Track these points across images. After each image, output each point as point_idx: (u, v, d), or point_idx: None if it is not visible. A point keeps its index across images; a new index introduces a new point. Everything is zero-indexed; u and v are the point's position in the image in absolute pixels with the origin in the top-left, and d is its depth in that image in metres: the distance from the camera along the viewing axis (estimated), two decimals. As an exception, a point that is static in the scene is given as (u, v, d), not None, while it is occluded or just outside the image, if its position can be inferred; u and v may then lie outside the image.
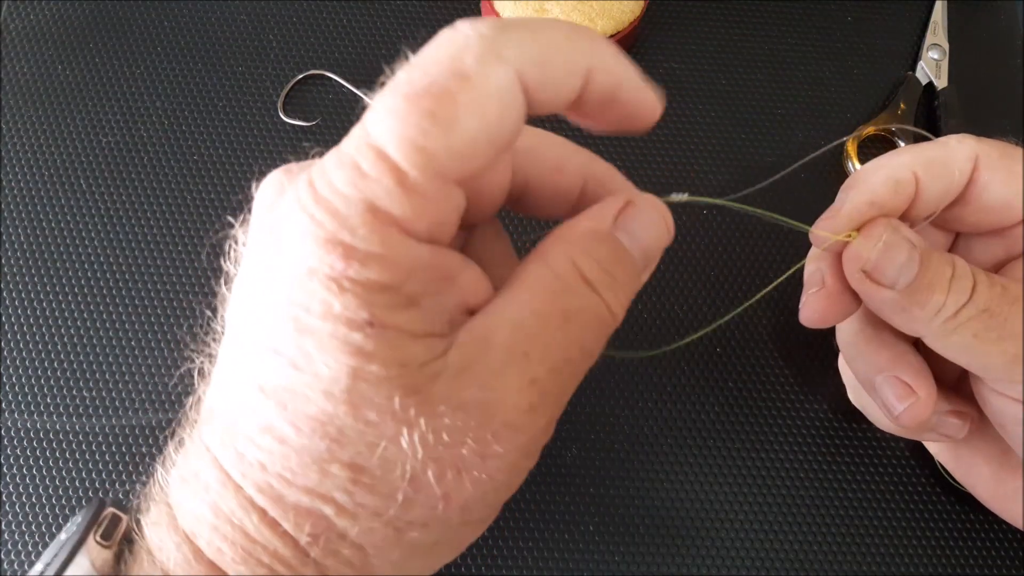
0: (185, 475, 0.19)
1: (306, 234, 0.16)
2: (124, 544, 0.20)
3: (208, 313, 0.34)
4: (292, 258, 0.17)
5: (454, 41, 0.16)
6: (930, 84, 0.40)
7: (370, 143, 0.16)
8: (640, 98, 0.20)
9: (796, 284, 0.36)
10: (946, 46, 0.41)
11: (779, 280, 0.28)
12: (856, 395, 0.31)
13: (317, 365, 0.17)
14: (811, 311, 0.26)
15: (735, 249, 0.36)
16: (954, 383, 0.27)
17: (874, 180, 0.24)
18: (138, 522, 0.19)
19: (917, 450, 0.33)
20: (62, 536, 0.20)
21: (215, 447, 0.18)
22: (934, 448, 0.30)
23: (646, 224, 0.20)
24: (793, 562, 0.31)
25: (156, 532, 0.19)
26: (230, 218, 0.21)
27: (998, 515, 0.28)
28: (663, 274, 0.36)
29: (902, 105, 0.39)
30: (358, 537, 0.18)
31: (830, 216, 0.24)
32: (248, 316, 0.18)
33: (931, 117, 0.40)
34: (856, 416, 0.33)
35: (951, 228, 0.27)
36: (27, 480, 0.31)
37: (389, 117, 0.16)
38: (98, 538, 0.19)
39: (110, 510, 0.20)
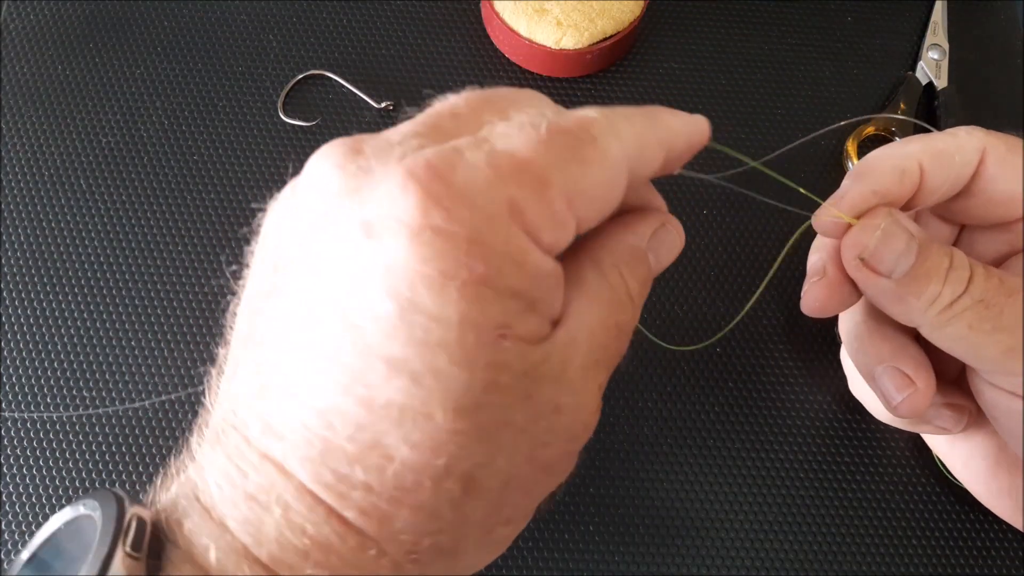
0: (250, 491, 0.17)
1: (437, 232, 0.15)
2: (153, 552, 0.17)
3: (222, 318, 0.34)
4: (414, 258, 0.15)
5: (580, 112, 0.18)
6: (930, 84, 0.40)
7: (512, 154, 0.16)
8: (700, 143, 0.22)
9: (797, 284, 0.36)
10: (946, 46, 0.41)
11: (784, 252, 0.28)
12: (856, 386, 0.31)
13: (448, 380, 0.15)
14: (812, 299, 0.26)
15: (734, 249, 0.36)
16: (954, 378, 0.27)
17: (879, 169, 0.24)
18: (167, 531, 0.17)
19: (918, 451, 0.33)
20: (50, 526, 0.17)
21: (293, 466, 0.16)
22: (932, 441, 0.30)
23: (669, 249, 0.22)
24: (793, 562, 0.31)
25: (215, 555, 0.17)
26: (255, 205, 0.20)
27: (991, 510, 0.28)
28: (662, 274, 0.36)
29: (902, 105, 0.39)
30: (452, 543, 0.18)
31: (833, 203, 0.25)
32: (326, 321, 0.16)
33: (931, 117, 0.40)
34: (856, 415, 0.33)
35: (956, 220, 0.27)
36: (24, 471, 0.31)
37: (536, 137, 0.17)
38: (128, 549, 0.16)
39: (134, 510, 0.17)
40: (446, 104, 0.19)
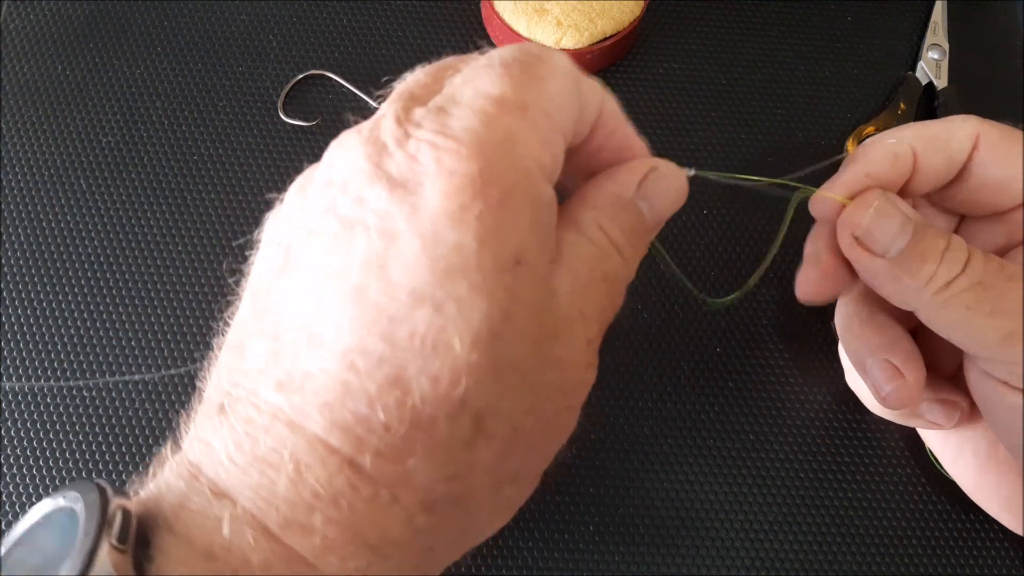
0: (260, 454, 0.17)
1: (452, 172, 0.16)
2: (139, 544, 0.16)
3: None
4: (435, 196, 0.16)
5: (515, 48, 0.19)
6: (930, 84, 0.40)
7: (485, 92, 0.17)
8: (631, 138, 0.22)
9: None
10: (946, 46, 0.41)
11: (783, 227, 0.28)
12: (851, 378, 0.31)
13: (468, 308, 0.16)
14: (806, 284, 0.26)
15: (735, 248, 0.36)
16: (950, 374, 0.27)
17: (873, 153, 0.25)
18: (158, 519, 0.17)
19: (917, 451, 0.33)
20: (26, 521, 0.17)
21: (309, 415, 0.16)
22: (925, 436, 0.30)
23: (664, 193, 0.22)
24: (793, 562, 0.31)
25: (215, 524, 0.16)
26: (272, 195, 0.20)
27: (979, 506, 0.28)
28: (663, 274, 0.36)
29: (902, 105, 0.39)
30: (463, 492, 0.18)
31: (827, 186, 0.25)
32: (351, 270, 0.17)
33: (931, 117, 0.40)
34: (855, 415, 0.33)
35: (951, 208, 0.27)
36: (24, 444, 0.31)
37: (495, 74, 0.18)
38: (114, 542, 0.16)
39: (117, 501, 0.16)
40: (409, 80, 0.20)
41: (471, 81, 0.18)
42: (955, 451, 0.29)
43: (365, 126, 0.18)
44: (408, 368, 0.16)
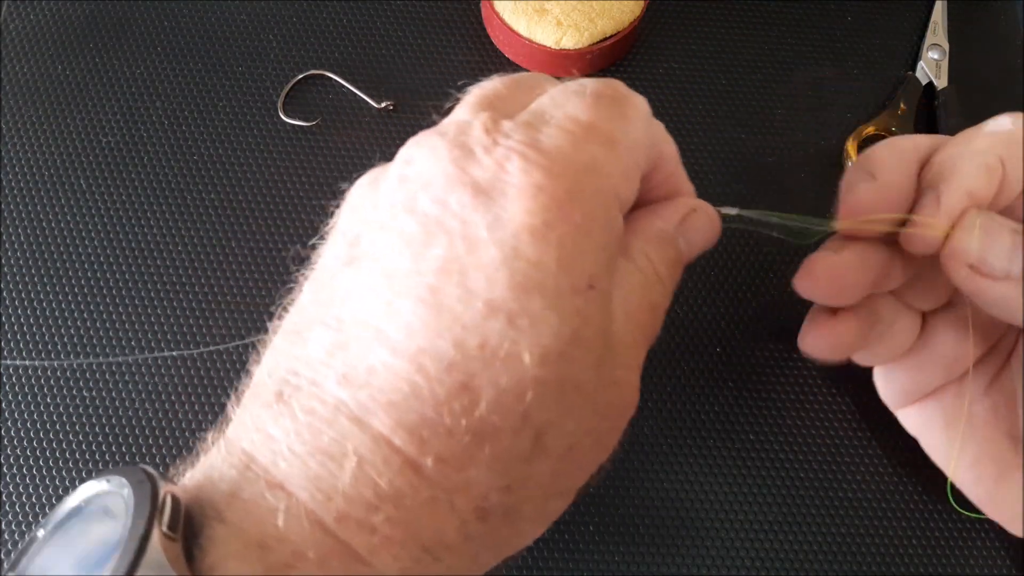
0: (322, 446, 0.16)
1: (540, 188, 0.17)
2: (189, 533, 0.16)
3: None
4: (520, 211, 0.17)
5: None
6: (930, 84, 0.40)
7: (577, 118, 0.18)
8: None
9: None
10: (946, 46, 0.41)
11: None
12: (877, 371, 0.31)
13: (540, 323, 0.16)
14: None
15: (735, 247, 0.36)
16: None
17: (967, 169, 0.22)
18: (207, 508, 0.16)
19: (918, 451, 0.33)
20: (70, 502, 0.16)
21: (373, 412, 0.16)
22: (904, 414, 0.30)
23: (701, 233, 0.23)
24: (793, 562, 0.31)
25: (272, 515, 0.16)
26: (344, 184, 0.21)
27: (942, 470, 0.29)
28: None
29: (902, 105, 0.39)
30: (515, 503, 0.18)
31: (925, 218, 0.23)
32: (425, 271, 0.17)
33: (931, 117, 0.40)
34: (856, 415, 0.33)
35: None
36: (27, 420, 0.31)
37: (588, 103, 0.19)
38: (165, 529, 0.15)
39: (167, 488, 0.16)
40: (487, 88, 0.20)
41: (562, 105, 0.19)
42: (927, 416, 0.29)
43: (448, 128, 0.18)
44: (477, 377, 0.16)
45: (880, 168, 0.24)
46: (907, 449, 0.33)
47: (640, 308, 0.20)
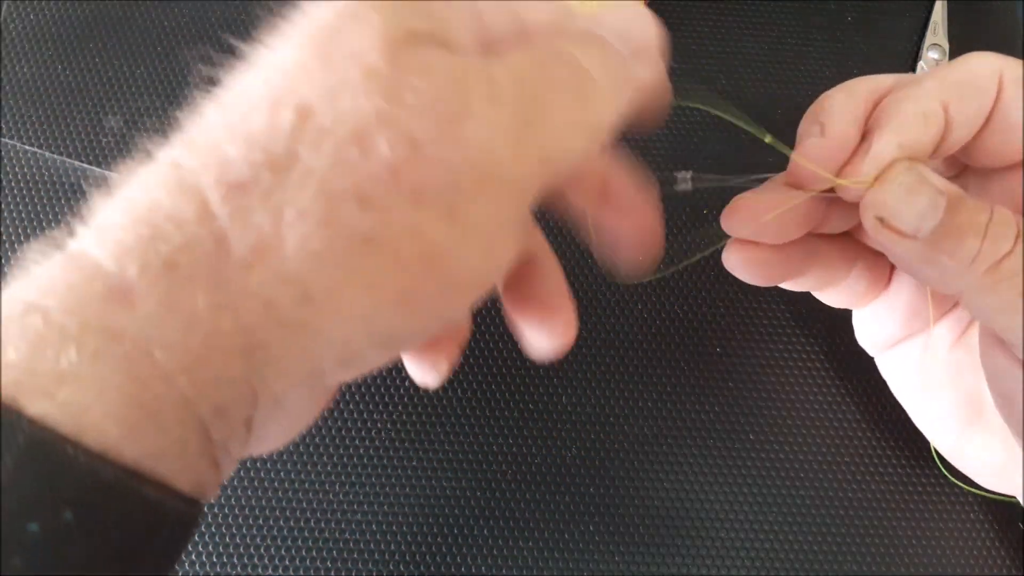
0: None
1: None
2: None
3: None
4: None
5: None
6: (930, 84, 0.40)
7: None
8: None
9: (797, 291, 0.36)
10: (946, 46, 0.41)
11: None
12: (860, 333, 0.31)
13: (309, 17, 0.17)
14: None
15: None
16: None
17: (901, 118, 0.22)
18: None
19: (918, 451, 0.33)
20: None
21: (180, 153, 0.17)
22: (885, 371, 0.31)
23: (623, 21, 0.21)
24: (793, 562, 0.31)
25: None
26: None
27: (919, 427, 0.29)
28: (662, 273, 0.36)
29: (902, 105, 0.39)
30: (278, 194, 0.15)
31: (855, 165, 0.22)
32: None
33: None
34: (856, 415, 0.33)
35: (970, 161, 0.24)
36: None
37: None
38: None
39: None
40: None
41: None
42: (882, 320, 0.29)
43: None
44: (247, 81, 0.17)
45: (829, 118, 0.23)
46: (907, 449, 0.33)
47: (511, 55, 0.18)
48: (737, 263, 0.26)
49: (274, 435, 0.18)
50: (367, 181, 0.15)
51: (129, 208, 0.16)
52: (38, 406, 0.13)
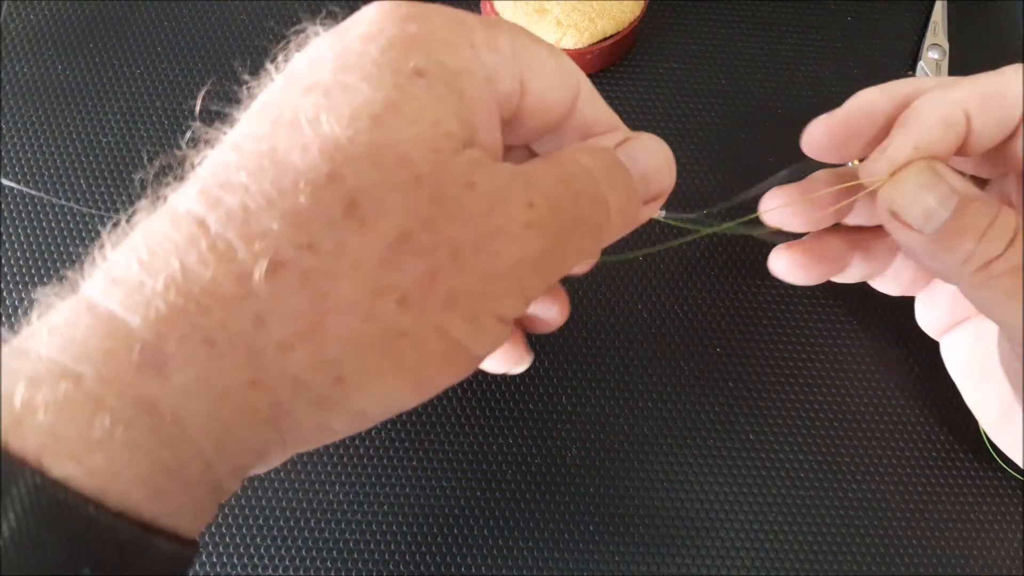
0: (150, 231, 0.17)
1: (383, 8, 0.18)
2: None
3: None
4: (357, 22, 0.18)
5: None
6: (930, 84, 0.40)
7: None
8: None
9: (796, 290, 0.36)
10: (946, 46, 0.41)
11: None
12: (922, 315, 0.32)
13: (353, 92, 0.17)
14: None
15: (735, 247, 0.36)
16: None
17: (922, 122, 0.23)
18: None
19: (919, 451, 0.33)
20: None
21: (187, 197, 0.17)
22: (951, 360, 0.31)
23: (646, 151, 0.22)
24: (793, 562, 0.31)
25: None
26: None
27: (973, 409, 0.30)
28: (663, 274, 0.36)
29: (902, 105, 0.39)
30: (320, 267, 0.16)
31: (873, 159, 0.24)
32: (272, 84, 0.19)
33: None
34: (855, 414, 0.33)
35: (995, 166, 0.26)
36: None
37: None
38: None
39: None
40: None
41: None
42: (949, 350, 0.31)
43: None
44: (283, 141, 0.17)
45: (848, 104, 0.26)
46: (907, 449, 0.33)
47: (545, 173, 0.19)
48: (784, 265, 0.29)
49: (274, 463, 0.19)
50: (408, 283, 0.17)
51: (162, 269, 0.16)
52: (64, 468, 0.14)
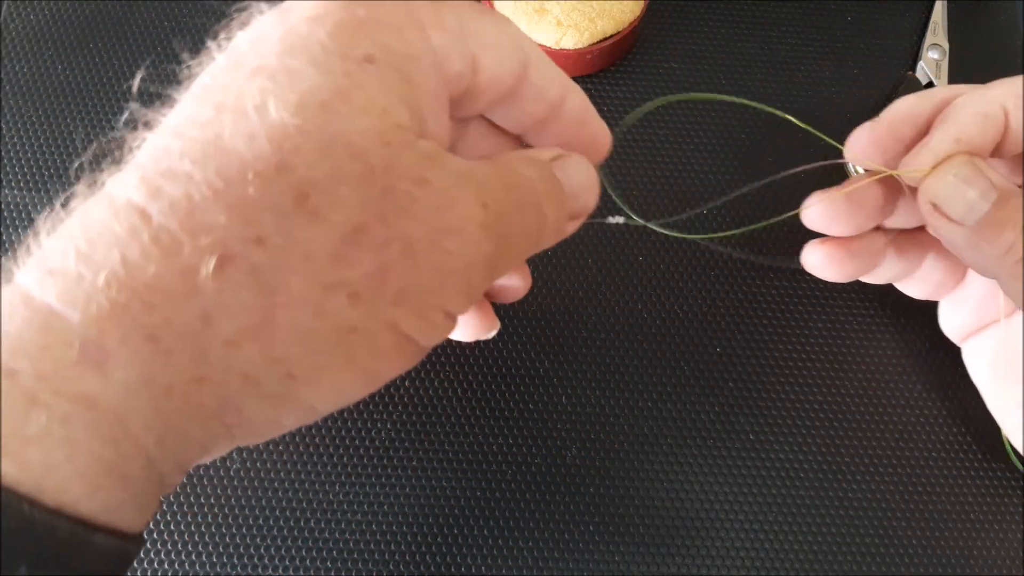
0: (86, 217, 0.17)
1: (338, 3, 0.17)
2: None
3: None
4: (306, 7, 0.17)
5: None
6: (930, 84, 0.40)
7: None
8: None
9: (798, 285, 0.36)
10: (946, 46, 0.41)
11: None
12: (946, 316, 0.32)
13: (299, 77, 0.16)
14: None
15: (735, 246, 0.36)
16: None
17: (963, 115, 0.24)
18: None
19: (919, 451, 0.33)
20: None
21: (124, 180, 0.17)
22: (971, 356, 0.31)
23: (577, 169, 0.23)
24: (793, 562, 0.31)
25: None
26: None
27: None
28: (663, 274, 0.36)
29: (902, 105, 0.39)
30: (268, 264, 0.16)
31: (914, 153, 0.25)
32: (214, 64, 0.18)
33: (931, 117, 0.40)
34: (855, 415, 0.33)
35: None
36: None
37: None
38: None
39: None
40: None
41: None
42: (972, 354, 0.31)
43: None
44: (227, 127, 0.16)
45: (890, 110, 0.26)
46: (907, 449, 0.33)
47: (487, 171, 0.19)
48: (818, 261, 0.29)
49: (219, 454, 0.19)
50: (359, 278, 0.16)
51: (102, 262, 0.15)
52: None
